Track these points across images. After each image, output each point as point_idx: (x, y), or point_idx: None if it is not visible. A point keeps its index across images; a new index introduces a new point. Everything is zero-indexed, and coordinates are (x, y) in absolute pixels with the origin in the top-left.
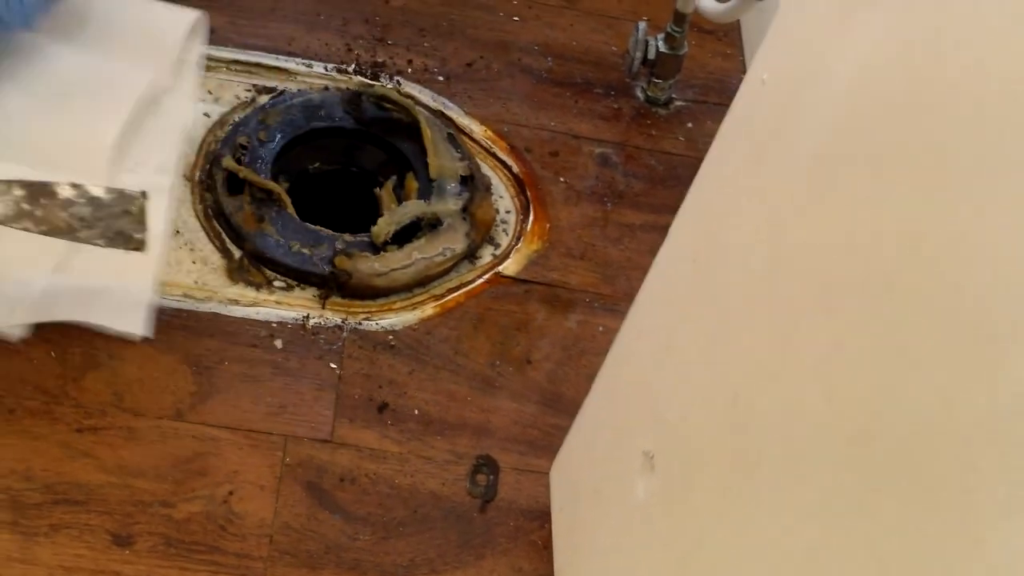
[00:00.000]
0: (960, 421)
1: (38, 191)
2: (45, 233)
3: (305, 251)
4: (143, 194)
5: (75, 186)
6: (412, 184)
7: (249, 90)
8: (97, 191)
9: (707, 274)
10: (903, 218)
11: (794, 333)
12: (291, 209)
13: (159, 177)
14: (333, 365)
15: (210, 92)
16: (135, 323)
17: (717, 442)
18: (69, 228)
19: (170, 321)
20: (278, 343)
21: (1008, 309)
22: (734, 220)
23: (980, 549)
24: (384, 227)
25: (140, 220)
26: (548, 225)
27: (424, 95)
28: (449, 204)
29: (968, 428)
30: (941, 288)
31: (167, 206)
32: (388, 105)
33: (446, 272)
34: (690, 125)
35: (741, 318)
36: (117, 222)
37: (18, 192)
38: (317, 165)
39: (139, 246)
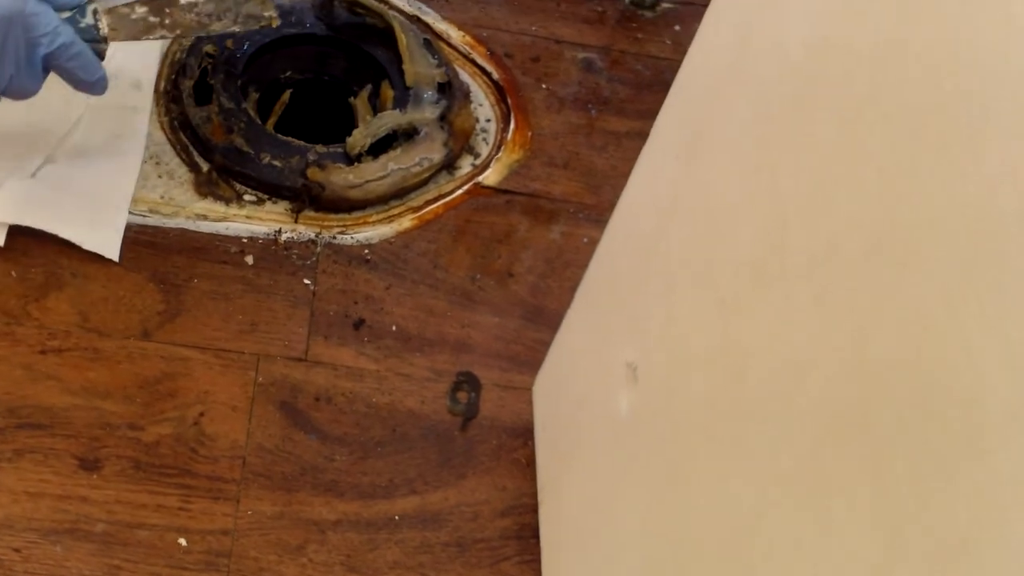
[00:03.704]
0: (963, 324)
1: (159, 3)
2: (180, 36)
3: (276, 163)
4: None
5: None
6: (387, 92)
7: None
8: None
9: (693, 172)
10: (903, 103)
11: (786, 230)
12: (266, 121)
13: (136, 93)
14: (307, 281)
15: None
16: (110, 245)
17: (703, 349)
18: (200, 25)
19: (136, 237)
20: (249, 259)
21: (1012, 204)
22: (720, 113)
23: (987, 456)
24: (359, 139)
25: (262, 1)
26: (530, 133)
27: None
28: (426, 112)
29: (973, 331)
30: (944, 178)
31: (147, 123)
32: (361, 10)
33: (424, 183)
34: (677, 28)
35: (729, 217)
36: (243, 7)
37: (141, 10)
38: (288, 74)
39: (271, 22)
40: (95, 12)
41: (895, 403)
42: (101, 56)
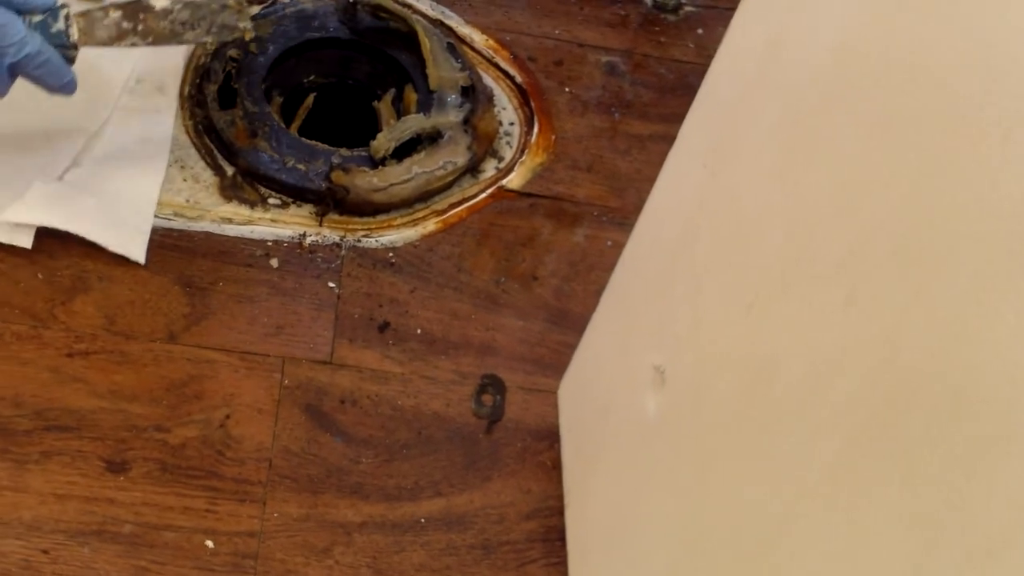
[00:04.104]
0: (995, 323)
1: (134, 8)
2: (152, 43)
3: (301, 167)
4: None
5: None
6: (411, 96)
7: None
8: None
9: (719, 177)
10: (931, 105)
11: (813, 234)
12: (280, 124)
13: (160, 97)
14: (331, 284)
15: None
16: (136, 248)
17: (731, 352)
18: (173, 33)
19: (161, 241)
20: (274, 262)
21: None
22: (747, 119)
23: (1014, 461)
24: (383, 143)
25: (239, 11)
26: (553, 137)
27: (422, 3)
28: (450, 116)
29: (1005, 330)
30: (973, 178)
31: (171, 127)
32: (384, 14)
33: (448, 186)
34: (700, 31)
35: (756, 221)
36: (218, 17)
37: (115, 14)
38: (312, 78)
39: (244, 33)
40: (67, 17)
41: (927, 404)
42: (71, 61)
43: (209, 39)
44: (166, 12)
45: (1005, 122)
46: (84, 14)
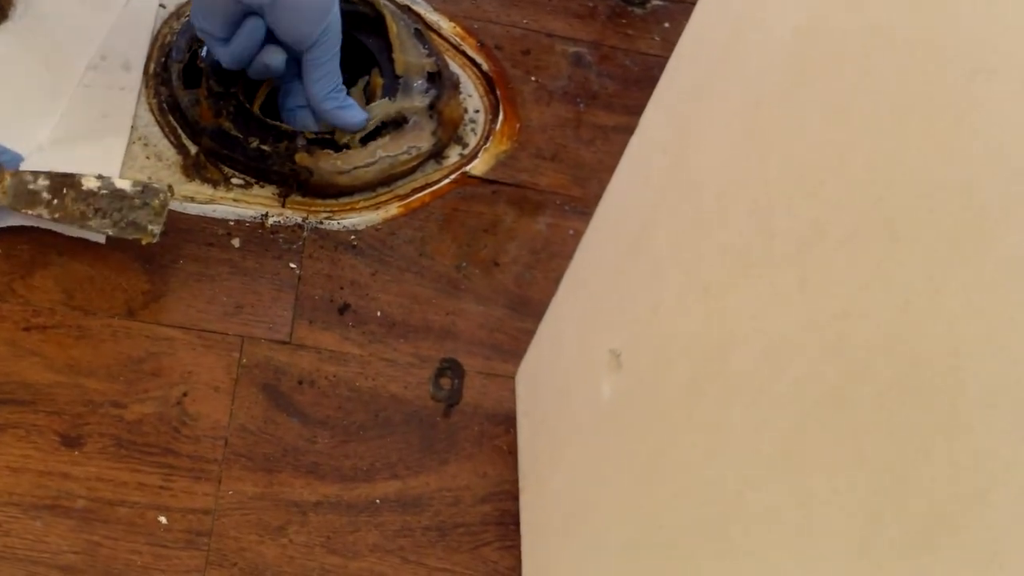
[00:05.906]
0: (944, 301)
1: (62, 182)
2: (57, 221)
3: (265, 147)
4: (169, 188)
5: (100, 177)
6: (377, 80)
7: None
8: (123, 184)
9: (679, 163)
10: (889, 89)
11: (771, 218)
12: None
13: (125, 74)
14: (293, 265)
15: None
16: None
17: (687, 335)
18: (82, 216)
19: None
20: (235, 242)
21: (996, 189)
22: (708, 104)
23: (965, 435)
24: None
25: (159, 213)
26: (518, 125)
27: None
28: (415, 101)
29: (954, 312)
30: (927, 158)
31: (134, 104)
32: None
33: (411, 171)
34: (667, 25)
35: (715, 206)
36: (133, 213)
37: (43, 182)
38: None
39: (149, 236)
40: None
41: (876, 383)
42: None
43: (111, 232)
44: (90, 194)
45: (959, 105)
46: (15, 174)
